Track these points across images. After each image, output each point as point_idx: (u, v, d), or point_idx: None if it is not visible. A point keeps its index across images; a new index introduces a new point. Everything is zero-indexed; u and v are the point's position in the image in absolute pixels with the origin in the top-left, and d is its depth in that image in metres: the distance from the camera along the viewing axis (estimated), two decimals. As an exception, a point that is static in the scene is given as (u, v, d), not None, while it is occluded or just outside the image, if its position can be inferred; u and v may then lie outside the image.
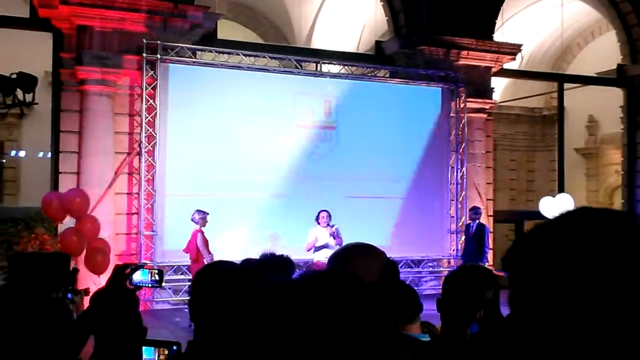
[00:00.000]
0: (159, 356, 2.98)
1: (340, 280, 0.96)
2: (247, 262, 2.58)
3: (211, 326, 1.87)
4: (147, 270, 2.88)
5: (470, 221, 11.38)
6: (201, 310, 1.92)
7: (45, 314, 2.32)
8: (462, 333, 2.83)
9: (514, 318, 0.78)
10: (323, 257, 9.17)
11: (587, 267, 0.73)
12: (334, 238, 9.44)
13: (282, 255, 2.61)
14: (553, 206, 12.15)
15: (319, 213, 9.60)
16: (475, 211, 11.30)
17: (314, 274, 1.00)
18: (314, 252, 9.50)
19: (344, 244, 8.54)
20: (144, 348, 2.77)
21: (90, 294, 2.72)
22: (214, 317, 1.86)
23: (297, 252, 10.48)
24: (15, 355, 2.24)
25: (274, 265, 2.44)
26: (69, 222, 10.01)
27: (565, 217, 0.80)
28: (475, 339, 2.26)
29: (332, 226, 9.50)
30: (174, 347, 2.92)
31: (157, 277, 2.91)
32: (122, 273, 2.74)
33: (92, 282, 8.14)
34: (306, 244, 9.52)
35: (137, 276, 2.92)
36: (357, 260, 1.83)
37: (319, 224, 9.56)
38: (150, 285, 2.91)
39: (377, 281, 1.79)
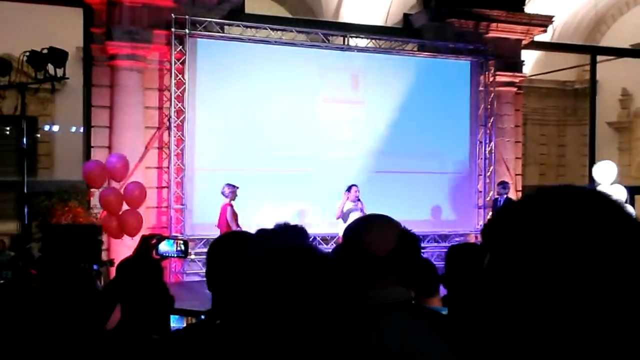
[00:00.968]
0: (187, 324, 3.07)
1: (292, 257, 1.12)
2: (262, 231, 2.64)
3: (227, 295, 1.93)
4: (173, 240, 2.95)
5: (498, 196, 11.35)
6: (216, 280, 1.97)
7: (73, 283, 2.41)
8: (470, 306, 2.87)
9: (487, 290, 0.81)
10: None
11: (565, 243, 0.75)
12: (361, 211, 9.53)
13: (297, 225, 2.66)
14: (604, 172, 11.91)
15: (350, 187, 9.71)
16: (503, 186, 11.27)
17: (271, 252, 1.14)
18: (341, 224, 9.59)
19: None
20: (172, 317, 2.86)
21: (116, 264, 2.80)
22: (227, 286, 1.93)
23: (324, 227, 10.61)
24: (43, 323, 2.33)
25: (288, 234, 2.49)
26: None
27: (547, 193, 0.83)
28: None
29: (360, 201, 9.59)
30: (202, 317, 3.02)
31: (182, 248, 2.99)
32: (148, 243, 2.81)
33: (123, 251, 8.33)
34: (337, 210, 9.63)
35: (163, 246, 2.99)
36: (371, 230, 1.87)
37: (348, 197, 9.65)
38: (175, 255, 2.98)
39: (393, 250, 1.82)
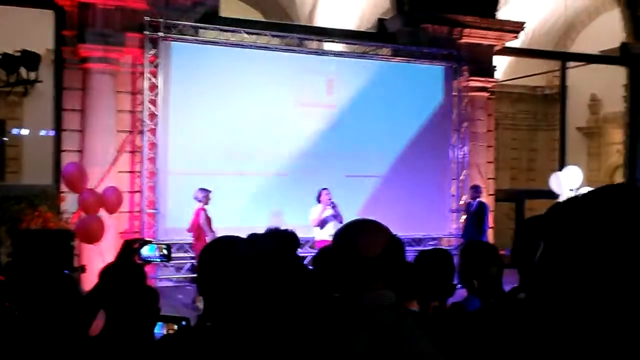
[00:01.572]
0: (167, 331, 3.03)
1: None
2: (253, 235, 2.63)
3: (219, 300, 1.91)
4: (155, 245, 2.91)
5: (470, 200, 11.46)
6: (208, 285, 1.96)
7: (56, 289, 2.37)
8: (460, 307, 2.89)
9: (539, 284, 0.82)
10: (327, 234, 9.24)
11: (614, 238, 0.76)
12: (336, 217, 9.51)
13: (287, 229, 2.66)
14: (562, 181, 12.13)
15: (320, 191, 9.65)
16: (476, 189, 11.38)
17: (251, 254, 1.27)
18: (317, 229, 9.56)
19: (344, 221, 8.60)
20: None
21: (100, 269, 2.75)
22: (221, 290, 1.91)
23: (299, 231, 10.56)
24: (27, 329, 2.28)
25: (279, 239, 2.49)
26: (72, 200, 10.08)
27: (602, 191, 0.84)
28: (478, 315, 2.31)
29: (334, 204, 9.56)
30: (183, 322, 2.98)
31: (165, 252, 2.95)
32: (131, 247, 2.77)
33: (98, 259, 8.22)
34: (311, 221, 9.58)
35: (146, 251, 2.95)
36: (361, 235, 1.89)
37: (319, 202, 9.62)
38: (159, 260, 2.94)
39: (381, 255, 1.84)
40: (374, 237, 1.88)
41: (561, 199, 12.05)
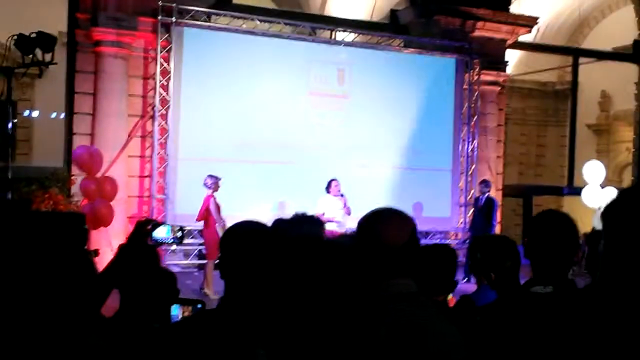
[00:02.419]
0: (183, 313, 3.05)
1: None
2: (279, 221, 2.64)
3: (241, 283, 1.92)
4: (170, 226, 2.90)
5: (479, 194, 11.44)
6: (230, 268, 1.97)
7: (73, 267, 2.38)
8: (469, 300, 2.91)
9: (603, 273, 0.84)
10: (333, 226, 9.26)
11: None
12: (343, 208, 9.53)
13: (313, 215, 2.69)
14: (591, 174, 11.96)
15: (330, 182, 9.66)
16: (485, 184, 11.36)
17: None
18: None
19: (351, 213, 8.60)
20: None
21: (116, 249, 2.76)
22: (242, 274, 1.92)
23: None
24: (41, 306, 2.30)
25: (307, 222, 2.52)
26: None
27: None
28: (494, 307, 2.32)
29: (343, 195, 9.58)
30: (199, 305, 2.99)
31: (179, 234, 2.94)
32: (144, 229, 2.77)
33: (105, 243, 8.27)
34: (319, 211, 9.58)
35: (159, 232, 2.94)
36: (386, 224, 1.90)
37: (329, 192, 9.63)
38: (171, 241, 2.93)
39: (405, 244, 1.85)
40: (399, 226, 1.89)
41: (584, 194, 11.88)
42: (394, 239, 1.84)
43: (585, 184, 12.67)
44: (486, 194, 11.17)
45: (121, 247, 2.68)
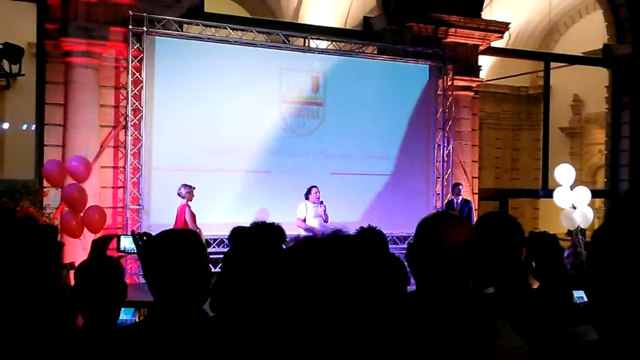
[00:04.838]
0: (139, 317, 3.00)
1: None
2: (237, 229, 2.59)
3: (166, 291, 1.91)
4: (132, 236, 2.86)
5: (453, 197, 11.53)
6: (155, 277, 1.96)
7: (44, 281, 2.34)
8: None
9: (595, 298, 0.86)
10: (307, 232, 9.23)
11: None
12: (322, 215, 9.53)
13: (274, 223, 2.61)
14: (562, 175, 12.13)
15: (310, 189, 9.67)
16: (458, 187, 11.49)
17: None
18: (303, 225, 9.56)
19: (329, 221, 8.59)
20: (123, 309, 2.81)
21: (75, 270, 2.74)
22: (166, 282, 1.91)
23: (284, 227, 10.54)
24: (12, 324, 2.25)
25: (266, 231, 2.46)
26: (53, 195, 9.98)
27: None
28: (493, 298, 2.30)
29: (322, 203, 9.58)
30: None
31: (145, 238, 2.89)
32: (101, 244, 2.74)
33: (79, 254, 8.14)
34: (297, 220, 9.57)
35: (124, 243, 2.91)
36: (445, 228, 1.88)
37: (307, 199, 9.62)
38: (137, 250, 2.89)
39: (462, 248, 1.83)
40: (459, 230, 1.86)
41: (556, 196, 12.03)
42: (452, 240, 1.81)
43: (570, 183, 12.80)
44: (460, 197, 11.27)
45: (78, 267, 2.68)
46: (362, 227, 3.30)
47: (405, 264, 3.35)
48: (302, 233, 9.43)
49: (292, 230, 9.52)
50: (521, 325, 1.78)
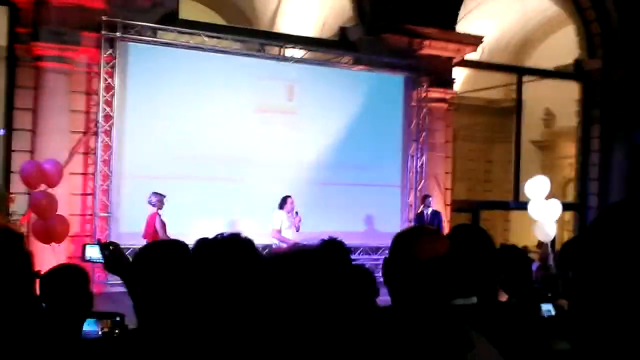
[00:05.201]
0: (102, 328, 2.92)
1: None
2: (203, 240, 2.50)
3: (153, 307, 1.85)
4: (99, 245, 2.79)
5: (423, 208, 11.59)
6: (140, 290, 1.90)
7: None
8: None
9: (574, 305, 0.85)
10: (282, 243, 9.19)
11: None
12: (295, 225, 9.49)
13: (240, 234, 2.51)
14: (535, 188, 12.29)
15: (285, 198, 9.62)
16: (428, 199, 11.56)
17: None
18: (277, 236, 9.50)
19: (301, 229, 8.56)
20: (86, 320, 2.74)
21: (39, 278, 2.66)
22: (153, 296, 1.85)
23: (255, 238, 10.46)
24: None
25: (233, 243, 2.38)
26: (21, 201, 9.79)
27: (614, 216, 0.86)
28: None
29: (297, 213, 9.55)
30: (117, 318, 2.89)
31: (110, 248, 2.81)
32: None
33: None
34: (272, 231, 9.50)
35: (91, 253, 2.84)
36: (420, 238, 1.86)
37: (282, 209, 9.56)
38: (103, 260, 2.82)
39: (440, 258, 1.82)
40: (434, 244, 1.85)
41: (529, 207, 12.15)
42: (427, 254, 1.80)
43: (544, 195, 12.92)
44: (430, 209, 11.34)
45: (44, 275, 2.62)
46: (323, 240, 3.26)
47: (375, 275, 3.33)
48: (276, 243, 9.37)
49: (264, 240, 9.47)
50: (495, 338, 1.77)
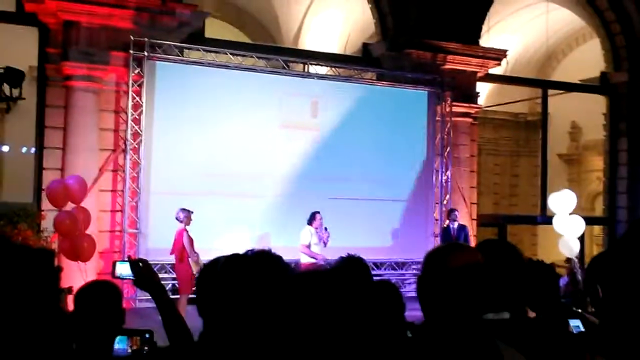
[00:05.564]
0: (132, 345, 2.97)
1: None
2: (235, 256, 2.52)
3: (220, 319, 1.89)
4: (130, 261, 2.83)
5: (449, 222, 11.53)
6: (208, 304, 1.94)
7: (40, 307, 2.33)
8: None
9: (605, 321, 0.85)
10: (310, 258, 9.25)
11: None
12: (324, 241, 9.55)
13: (269, 250, 2.54)
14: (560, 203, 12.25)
15: (314, 214, 9.68)
16: (454, 213, 11.51)
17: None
18: (305, 251, 9.57)
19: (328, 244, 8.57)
20: (117, 338, 2.78)
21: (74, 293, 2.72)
22: (222, 310, 1.89)
23: (283, 253, 10.49)
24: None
25: (259, 262, 2.40)
26: (51, 218, 9.97)
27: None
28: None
29: (326, 229, 9.60)
30: (147, 335, 2.93)
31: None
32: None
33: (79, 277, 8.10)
34: (301, 246, 9.56)
35: (121, 269, 2.89)
36: (455, 254, 1.88)
37: (311, 225, 9.62)
38: (133, 277, 2.87)
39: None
40: (466, 256, 1.87)
41: (554, 222, 12.05)
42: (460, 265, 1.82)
43: (569, 210, 12.83)
44: (456, 223, 11.29)
45: (77, 292, 2.67)
46: (342, 257, 3.29)
47: (402, 290, 3.34)
48: (305, 259, 9.41)
49: (291, 254, 9.51)
50: (526, 353, 1.79)
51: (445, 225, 12.02)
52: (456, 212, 11.74)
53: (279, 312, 1.89)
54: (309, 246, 9.54)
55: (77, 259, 9.09)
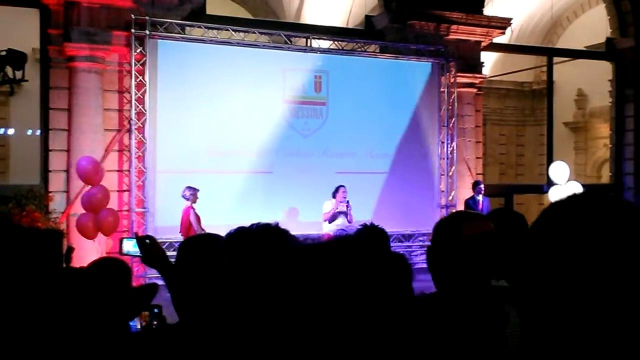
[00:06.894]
0: (140, 321, 3.01)
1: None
2: (241, 229, 2.54)
3: (226, 294, 1.91)
4: (137, 237, 2.84)
5: (475, 194, 11.38)
6: (182, 283, 1.96)
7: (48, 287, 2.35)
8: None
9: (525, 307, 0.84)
10: (334, 228, 9.38)
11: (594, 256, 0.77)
12: (346, 215, 9.61)
13: (277, 224, 2.54)
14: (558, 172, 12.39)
15: (338, 188, 9.76)
16: (479, 185, 11.41)
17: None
18: (326, 222, 9.65)
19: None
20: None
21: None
22: (194, 289, 1.91)
23: (294, 228, 10.55)
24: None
25: (266, 234, 2.41)
26: (59, 200, 10.05)
27: (574, 206, 0.84)
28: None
29: (348, 202, 9.67)
30: (155, 310, 2.96)
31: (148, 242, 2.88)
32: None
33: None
34: (324, 215, 9.64)
35: (127, 247, 2.90)
36: (465, 221, 1.90)
37: (334, 198, 9.69)
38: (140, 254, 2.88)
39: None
40: (477, 223, 1.89)
41: (550, 193, 12.17)
42: (472, 232, 1.83)
43: (565, 180, 12.90)
44: (481, 195, 11.22)
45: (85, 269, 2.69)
46: (362, 225, 3.32)
47: (410, 262, 3.37)
48: (327, 228, 9.48)
49: (301, 230, 9.54)
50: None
51: (470, 198, 11.87)
52: (482, 185, 11.61)
53: (285, 283, 1.91)
54: (331, 218, 9.61)
55: (96, 235, 9.24)
